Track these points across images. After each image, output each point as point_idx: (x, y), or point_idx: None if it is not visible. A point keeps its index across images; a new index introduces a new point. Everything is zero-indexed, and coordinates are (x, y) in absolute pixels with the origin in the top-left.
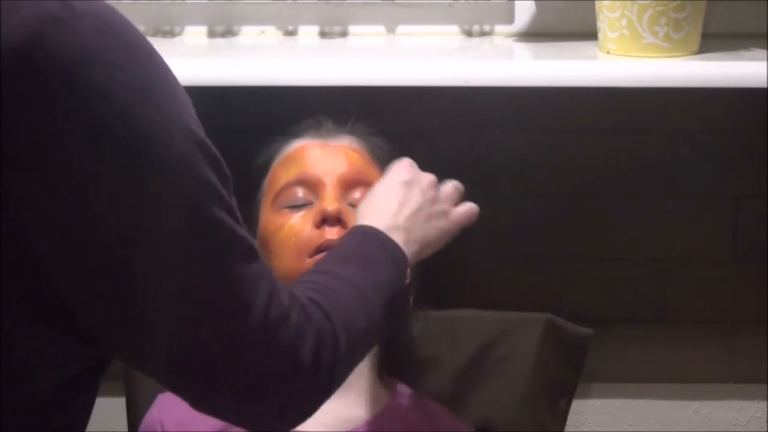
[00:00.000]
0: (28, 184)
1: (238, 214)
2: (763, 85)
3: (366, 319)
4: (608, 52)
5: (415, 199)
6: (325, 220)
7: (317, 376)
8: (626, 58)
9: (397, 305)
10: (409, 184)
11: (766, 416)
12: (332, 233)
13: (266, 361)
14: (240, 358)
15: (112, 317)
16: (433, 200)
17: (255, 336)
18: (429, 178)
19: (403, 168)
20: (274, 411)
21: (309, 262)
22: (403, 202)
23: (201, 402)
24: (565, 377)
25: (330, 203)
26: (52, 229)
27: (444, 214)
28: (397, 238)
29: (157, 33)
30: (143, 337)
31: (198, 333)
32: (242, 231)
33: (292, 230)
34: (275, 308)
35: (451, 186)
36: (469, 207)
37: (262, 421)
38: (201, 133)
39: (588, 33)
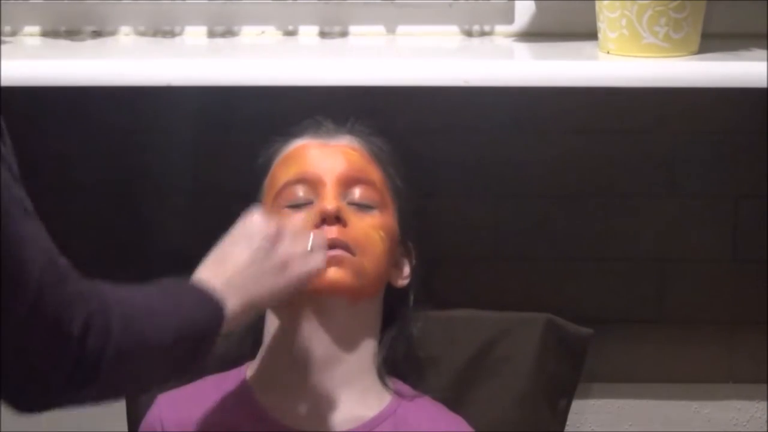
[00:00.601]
0: None
1: (16, 176)
2: (763, 85)
3: (153, 334)
4: (608, 52)
5: (243, 255)
6: (325, 219)
7: (80, 358)
8: (626, 58)
9: (199, 344)
10: (241, 239)
11: (766, 416)
12: (332, 232)
13: (30, 329)
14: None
15: None
16: (266, 254)
17: (22, 298)
18: (268, 230)
19: (240, 224)
20: (24, 384)
21: None
22: (228, 258)
23: None
24: (565, 377)
25: (329, 202)
26: None
27: (279, 270)
28: (223, 290)
29: (157, 33)
30: None
31: None
32: (19, 191)
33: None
34: (49, 273)
35: (301, 242)
36: (314, 263)
37: (10, 391)
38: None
39: (588, 33)
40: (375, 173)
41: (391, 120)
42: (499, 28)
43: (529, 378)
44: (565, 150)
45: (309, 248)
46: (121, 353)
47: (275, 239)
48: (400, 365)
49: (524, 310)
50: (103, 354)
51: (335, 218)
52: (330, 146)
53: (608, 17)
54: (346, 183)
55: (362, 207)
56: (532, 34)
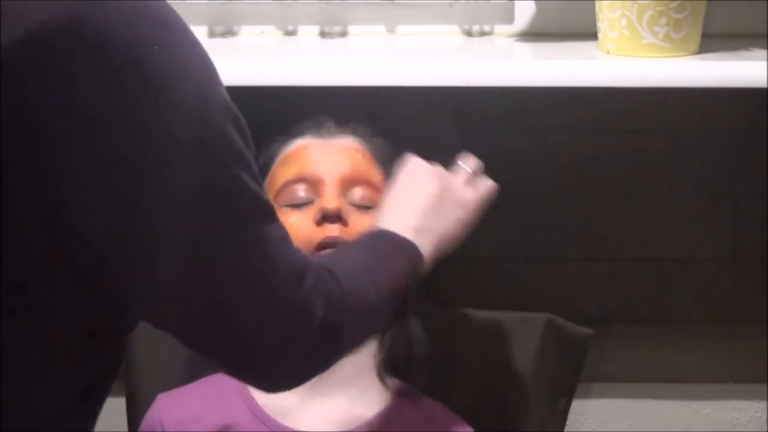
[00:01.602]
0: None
1: (262, 183)
2: (763, 85)
3: (375, 295)
4: (608, 52)
5: (422, 198)
6: (325, 217)
7: (325, 336)
8: (626, 58)
9: (407, 296)
10: (414, 184)
11: (766, 416)
12: (332, 231)
13: (282, 319)
14: (259, 314)
15: (132, 264)
16: (443, 192)
17: (274, 294)
18: (437, 171)
19: (414, 166)
20: (283, 367)
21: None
22: (409, 205)
23: (208, 351)
24: (565, 377)
25: (330, 201)
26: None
27: (460, 203)
28: (413, 238)
29: None
30: (163, 287)
31: (218, 289)
32: (264, 196)
33: (291, 228)
34: (293, 268)
35: (463, 171)
36: (485, 186)
37: (271, 375)
38: (232, 105)
39: (588, 33)
40: (375, 173)
41: (391, 120)
42: (499, 28)
43: (529, 378)
44: (565, 150)
45: (467, 171)
46: (354, 321)
47: (446, 176)
48: (400, 365)
49: (524, 310)
50: (342, 326)
51: (336, 217)
52: (331, 146)
53: (608, 17)
54: (348, 183)
55: (363, 208)
56: (532, 34)
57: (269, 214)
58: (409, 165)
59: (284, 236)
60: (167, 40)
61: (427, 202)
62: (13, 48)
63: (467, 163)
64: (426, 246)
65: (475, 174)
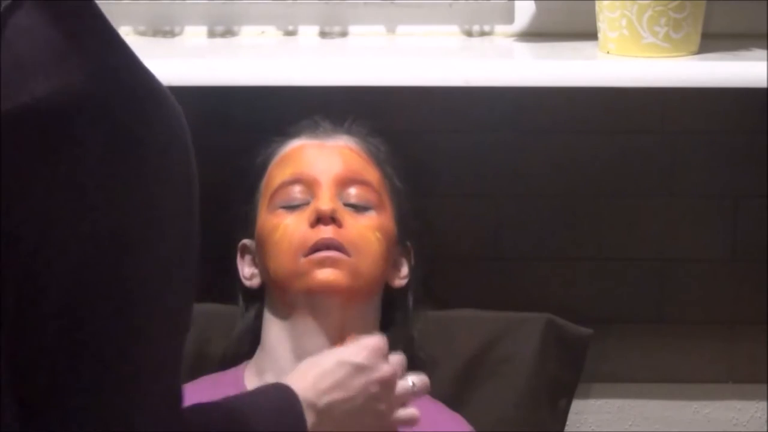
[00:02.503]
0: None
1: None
2: (763, 85)
3: None
4: (608, 52)
5: (353, 388)
6: (320, 219)
7: None
8: (626, 58)
9: None
10: (358, 368)
11: (766, 416)
12: (327, 232)
13: None
14: None
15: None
16: (373, 398)
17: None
18: (384, 374)
19: (365, 349)
20: None
21: (304, 261)
22: (338, 384)
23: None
24: (565, 377)
25: (325, 203)
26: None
27: (379, 414)
28: (309, 415)
29: (157, 33)
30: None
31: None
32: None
33: (286, 230)
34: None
35: (407, 385)
36: (410, 416)
37: None
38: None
39: (588, 33)
40: (372, 173)
41: (391, 120)
42: (499, 28)
43: (529, 378)
44: (565, 150)
45: (412, 387)
46: None
47: (390, 383)
48: None
49: (524, 310)
50: None
51: (330, 218)
52: (327, 146)
53: (608, 17)
54: (343, 183)
55: (358, 208)
56: (532, 34)
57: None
58: (371, 346)
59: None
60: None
61: (352, 395)
62: (11, 116)
63: (416, 379)
64: (317, 427)
65: (416, 394)
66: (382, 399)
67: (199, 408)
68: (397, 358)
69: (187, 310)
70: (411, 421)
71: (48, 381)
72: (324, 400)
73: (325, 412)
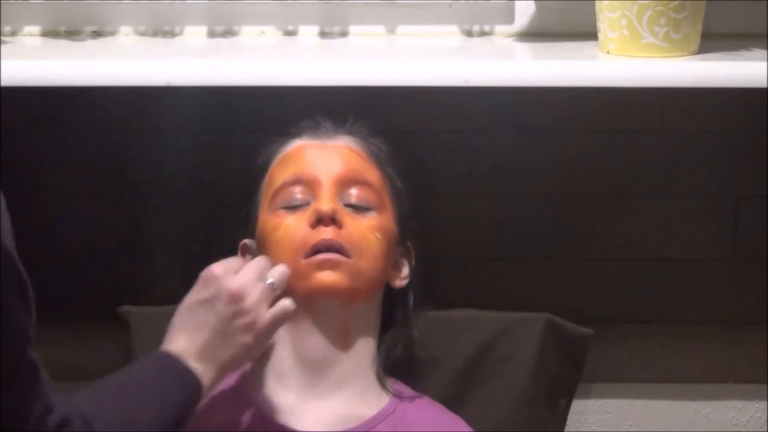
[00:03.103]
0: None
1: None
2: (763, 85)
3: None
4: (608, 52)
5: (211, 321)
6: (320, 220)
7: None
8: (626, 58)
9: (182, 420)
10: (206, 303)
11: (766, 416)
12: (327, 233)
13: None
14: None
15: None
16: (233, 316)
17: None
18: (229, 291)
19: (201, 285)
20: None
21: (304, 263)
22: (197, 325)
23: None
24: (565, 377)
25: (325, 203)
26: None
27: (248, 327)
28: (194, 364)
29: (157, 33)
30: None
31: None
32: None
33: (287, 230)
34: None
35: (264, 286)
36: (281, 308)
37: None
38: (14, 256)
39: (588, 33)
40: (373, 174)
41: (391, 120)
42: (499, 28)
43: (529, 378)
44: (565, 150)
45: (271, 285)
46: None
47: (238, 296)
48: (399, 365)
49: (524, 310)
50: None
51: (330, 219)
52: (327, 147)
53: (608, 17)
54: (343, 184)
55: (359, 208)
56: (532, 34)
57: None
58: (205, 277)
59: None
60: None
61: (216, 325)
62: None
63: (273, 274)
64: (208, 372)
65: (277, 288)
66: (243, 313)
67: (89, 390)
68: (246, 268)
69: None
70: (285, 312)
71: None
72: (196, 345)
73: (204, 355)
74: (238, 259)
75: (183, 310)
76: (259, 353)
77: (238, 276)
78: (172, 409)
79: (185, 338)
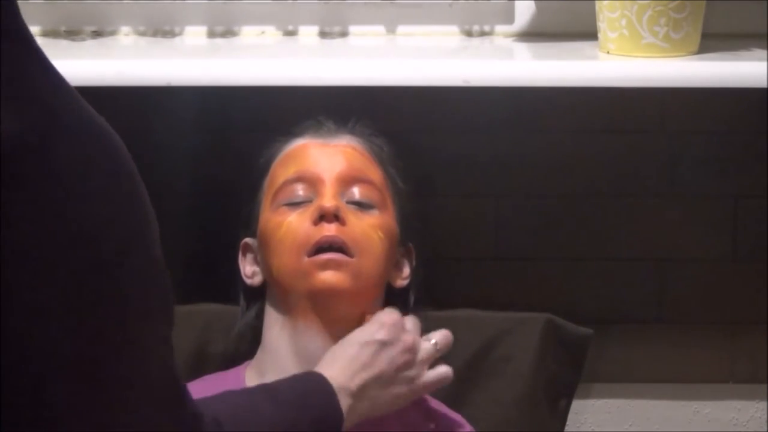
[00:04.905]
0: None
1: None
2: (763, 85)
3: None
4: (608, 52)
5: (381, 365)
6: (323, 216)
7: None
8: (626, 58)
9: None
10: (382, 345)
11: (766, 416)
12: (330, 230)
13: None
14: None
15: None
16: (401, 368)
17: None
18: (406, 343)
19: (384, 326)
20: None
21: (307, 262)
22: (366, 364)
23: None
24: (565, 377)
25: (328, 200)
26: None
27: (410, 381)
28: (344, 399)
29: (157, 33)
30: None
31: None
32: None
33: (290, 228)
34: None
35: (430, 347)
36: (442, 374)
37: None
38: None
39: (588, 33)
40: (375, 173)
41: (391, 120)
42: (499, 28)
43: (529, 378)
44: (565, 150)
45: (434, 345)
46: None
47: (413, 349)
48: None
49: (524, 310)
50: None
51: (333, 216)
52: (330, 146)
53: (608, 17)
54: (346, 182)
55: (362, 206)
56: (532, 34)
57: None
58: (384, 321)
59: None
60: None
61: (385, 369)
62: None
63: (437, 338)
64: (357, 410)
65: (440, 351)
66: (410, 366)
67: (229, 396)
68: (412, 323)
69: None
70: (445, 379)
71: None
72: (356, 383)
73: (358, 395)
74: (396, 312)
75: (352, 343)
76: (399, 408)
77: (412, 330)
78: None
79: (344, 371)
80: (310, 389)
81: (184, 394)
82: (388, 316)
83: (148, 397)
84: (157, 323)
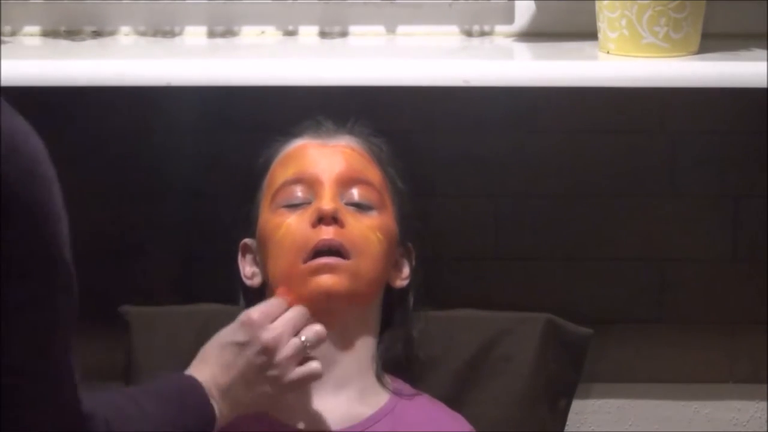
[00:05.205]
0: None
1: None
2: (763, 85)
3: None
4: (608, 52)
5: (239, 366)
6: (322, 219)
7: None
8: (626, 58)
9: None
10: (238, 346)
11: (766, 416)
12: (328, 233)
13: None
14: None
15: None
16: (262, 367)
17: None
18: (262, 343)
19: (237, 327)
20: None
21: (303, 268)
22: (227, 365)
23: None
24: (565, 377)
25: (326, 203)
26: None
27: (273, 380)
28: (217, 397)
29: (157, 33)
30: None
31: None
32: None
33: (288, 230)
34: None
35: (297, 343)
36: (309, 370)
37: None
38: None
39: (588, 33)
40: (374, 173)
41: (391, 120)
42: (499, 28)
43: (529, 378)
44: (565, 150)
45: (304, 343)
46: None
47: (270, 350)
48: (399, 365)
49: (524, 310)
50: None
51: (332, 218)
52: (329, 146)
53: (608, 17)
54: (345, 183)
55: (361, 207)
56: (532, 34)
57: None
58: (242, 321)
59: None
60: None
61: (243, 370)
62: None
63: (308, 333)
64: (223, 410)
65: (309, 347)
66: (271, 366)
67: (107, 397)
68: (289, 317)
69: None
70: (313, 375)
71: None
72: (221, 383)
73: (224, 394)
74: (276, 303)
75: (215, 345)
76: (277, 404)
77: (274, 326)
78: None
79: (211, 372)
80: (185, 390)
81: (79, 393)
82: (246, 315)
83: (46, 394)
84: (61, 323)
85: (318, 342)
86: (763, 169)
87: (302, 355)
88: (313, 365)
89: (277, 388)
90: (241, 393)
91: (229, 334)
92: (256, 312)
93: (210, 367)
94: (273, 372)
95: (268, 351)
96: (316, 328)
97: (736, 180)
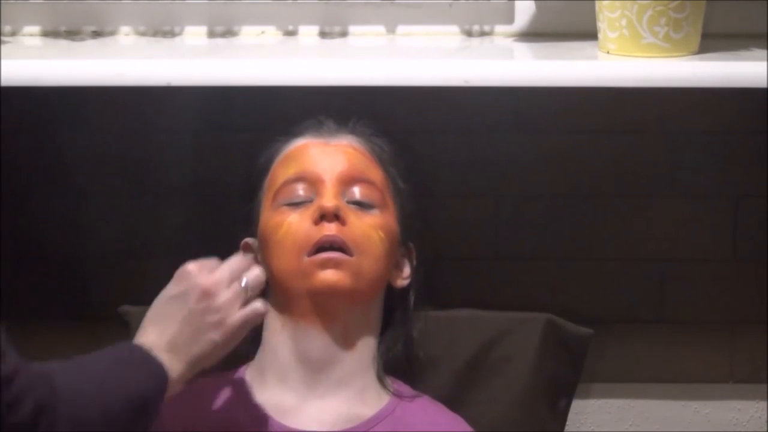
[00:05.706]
0: None
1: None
2: (763, 85)
3: (98, 418)
4: (608, 52)
5: (178, 317)
6: (323, 216)
7: None
8: (626, 58)
9: (144, 412)
10: (177, 297)
11: (766, 416)
12: (330, 230)
13: None
14: None
15: None
16: (203, 312)
17: None
18: (201, 287)
19: (175, 281)
20: None
21: (307, 262)
22: (167, 319)
23: None
24: (565, 377)
25: (328, 200)
26: None
27: (217, 324)
28: (165, 356)
29: (157, 33)
30: None
31: None
32: None
33: (290, 227)
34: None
35: (237, 286)
36: (252, 310)
37: None
38: None
39: (588, 33)
40: (376, 173)
41: (391, 120)
42: (499, 28)
43: (529, 378)
44: (565, 150)
45: (244, 286)
46: None
47: (209, 293)
48: (400, 365)
49: (524, 310)
50: None
51: (334, 216)
52: (330, 145)
53: (608, 17)
54: (346, 182)
55: (362, 206)
56: (532, 34)
57: None
58: (179, 274)
59: None
60: None
61: (186, 319)
62: None
63: (249, 276)
64: (176, 365)
65: (250, 289)
66: (212, 311)
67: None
68: (228, 265)
69: None
70: (256, 314)
71: None
72: (164, 339)
73: (171, 349)
74: (215, 260)
75: (156, 304)
76: (227, 351)
77: (212, 274)
78: (137, 393)
79: (155, 331)
80: (126, 353)
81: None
82: (181, 267)
83: None
84: None
85: (258, 285)
86: (763, 169)
87: (243, 298)
88: (256, 304)
89: (222, 334)
90: (189, 344)
91: (167, 289)
92: (191, 264)
93: (154, 327)
94: (215, 316)
95: (208, 295)
96: (256, 272)
97: (736, 180)
